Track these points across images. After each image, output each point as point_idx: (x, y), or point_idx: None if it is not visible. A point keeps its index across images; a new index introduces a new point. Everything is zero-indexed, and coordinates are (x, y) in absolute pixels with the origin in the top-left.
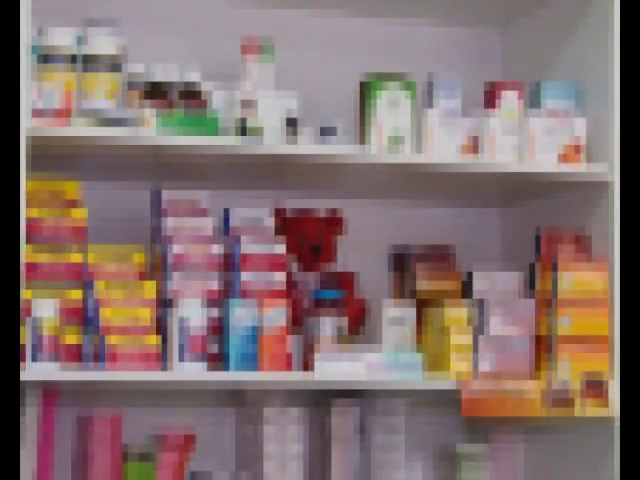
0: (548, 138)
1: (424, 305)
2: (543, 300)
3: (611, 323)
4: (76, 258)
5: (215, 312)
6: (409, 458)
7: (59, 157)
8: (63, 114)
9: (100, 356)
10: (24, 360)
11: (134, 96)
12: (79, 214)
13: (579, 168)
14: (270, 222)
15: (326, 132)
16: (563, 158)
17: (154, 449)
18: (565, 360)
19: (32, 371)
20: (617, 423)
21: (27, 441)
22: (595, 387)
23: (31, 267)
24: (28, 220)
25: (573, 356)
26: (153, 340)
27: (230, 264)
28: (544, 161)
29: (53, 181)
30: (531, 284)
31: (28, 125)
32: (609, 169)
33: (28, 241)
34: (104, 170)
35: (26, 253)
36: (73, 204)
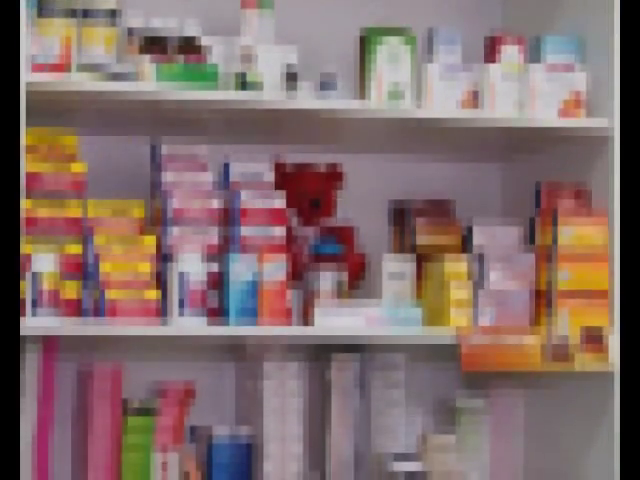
0: (548, 92)
1: (424, 259)
2: (543, 254)
3: (611, 277)
4: (75, 212)
5: (215, 266)
6: (408, 412)
7: (57, 111)
8: (62, 67)
9: (100, 310)
10: (24, 314)
11: (133, 49)
12: (78, 168)
13: (579, 122)
14: (270, 176)
15: (326, 86)
16: (563, 112)
17: (154, 402)
18: (565, 314)
19: (32, 324)
20: (617, 377)
21: (27, 394)
22: (595, 341)
23: (30, 221)
24: (27, 174)
25: (573, 310)
26: (153, 294)
27: (229, 218)
28: (544, 115)
29: (52, 135)
30: (531, 238)
31: (27, 78)
32: (609, 123)
33: (27, 195)
34: (103, 124)
35: (25, 207)
36: (72, 158)
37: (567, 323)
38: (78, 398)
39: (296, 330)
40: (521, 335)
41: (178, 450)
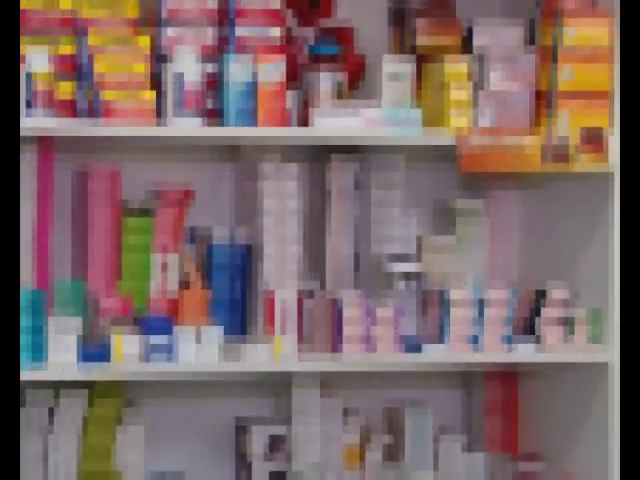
0: None
1: (424, 60)
2: (545, 54)
3: (612, 77)
4: (66, 4)
5: (211, 67)
6: (407, 213)
7: None
8: None
9: (95, 111)
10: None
11: None
12: None
13: None
14: None
15: None
16: None
17: (153, 204)
18: (565, 115)
19: (28, 124)
20: (617, 177)
21: (26, 195)
22: (594, 142)
23: (21, 17)
24: None
25: (573, 111)
26: (148, 95)
27: (225, 17)
28: None
29: None
30: (532, 39)
31: None
32: None
33: None
34: None
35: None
36: None
37: (567, 124)
38: (77, 199)
39: (294, 131)
40: (521, 136)
41: (177, 251)
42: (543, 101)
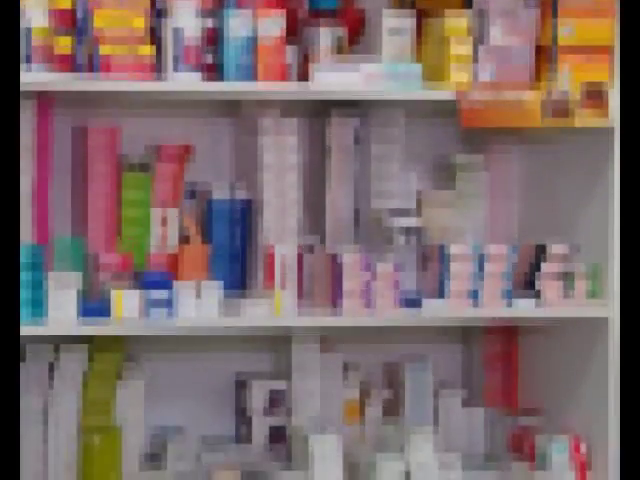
0: None
1: (424, 15)
2: (545, 9)
3: (612, 31)
4: None
5: (210, 22)
6: (407, 169)
7: None
8: None
9: (94, 66)
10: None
11: None
12: None
13: None
14: None
15: None
16: None
17: (152, 159)
18: (566, 70)
19: (27, 79)
20: (617, 132)
21: (26, 150)
22: (595, 97)
23: None
24: None
25: (574, 66)
26: (147, 50)
27: None
28: None
29: None
30: None
31: None
32: None
33: None
34: None
35: None
36: None
37: (568, 79)
38: (76, 155)
39: (294, 87)
40: (521, 91)
41: (177, 206)
42: (544, 56)
